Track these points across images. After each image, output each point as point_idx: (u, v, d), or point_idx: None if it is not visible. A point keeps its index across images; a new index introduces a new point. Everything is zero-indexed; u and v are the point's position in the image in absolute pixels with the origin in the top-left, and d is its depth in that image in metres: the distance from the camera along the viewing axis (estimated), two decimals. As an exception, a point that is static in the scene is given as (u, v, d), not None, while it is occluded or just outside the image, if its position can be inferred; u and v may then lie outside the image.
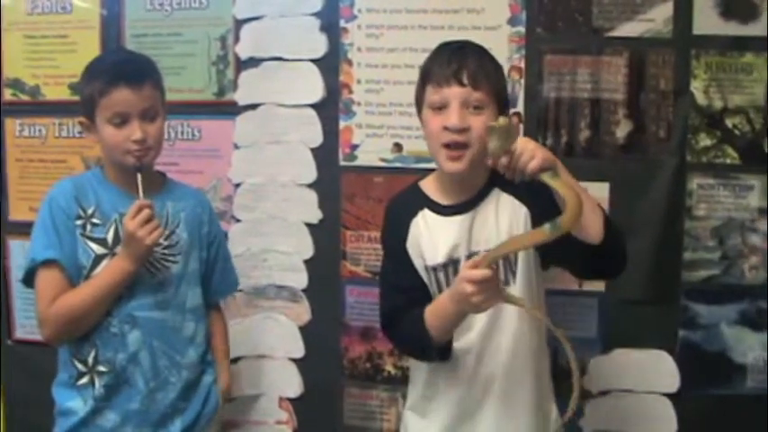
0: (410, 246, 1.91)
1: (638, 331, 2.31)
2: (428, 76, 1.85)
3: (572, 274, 1.98)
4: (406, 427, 2.01)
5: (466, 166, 1.80)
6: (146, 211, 1.91)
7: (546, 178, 1.63)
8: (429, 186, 1.94)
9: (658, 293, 2.30)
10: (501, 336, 1.84)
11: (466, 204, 1.88)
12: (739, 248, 2.28)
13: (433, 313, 1.80)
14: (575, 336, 2.21)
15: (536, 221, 1.80)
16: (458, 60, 1.81)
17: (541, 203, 1.78)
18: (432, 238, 1.88)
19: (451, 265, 1.85)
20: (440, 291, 1.87)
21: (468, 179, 1.86)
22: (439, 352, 1.83)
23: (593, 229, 1.73)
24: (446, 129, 1.79)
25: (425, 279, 1.89)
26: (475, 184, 1.88)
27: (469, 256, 1.82)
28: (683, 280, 2.30)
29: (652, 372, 2.32)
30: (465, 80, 1.79)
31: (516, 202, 1.85)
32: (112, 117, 1.95)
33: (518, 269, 1.86)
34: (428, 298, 1.87)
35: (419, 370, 1.96)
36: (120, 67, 2.02)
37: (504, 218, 1.86)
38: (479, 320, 1.83)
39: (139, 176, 1.96)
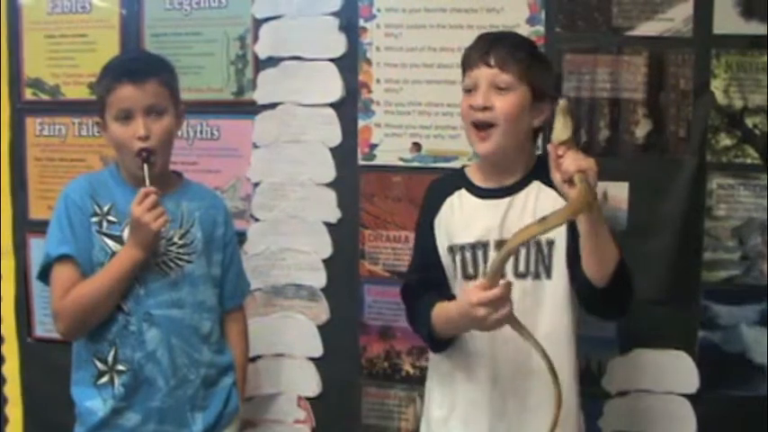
0: (439, 223, 1.95)
1: (657, 331, 2.29)
2: (464, 61, 1.91)
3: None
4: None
5: (494, 147, 1.85)
6: (151, 197, 1.93)
7: (577, 179, 1.63)
8: (472, 170, 1.99)
9: (678, 294, 2.29)
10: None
11: (503, 190, 1.91)
12: (759, 249, 2.27)
13: (440, 316, 1.85)
14: (593, 336, 2.22)
15: (573, 224, 1.81)
16: (489, 44, 1.86)
17: None
18: (464, 217, 1.91)
19: (480, 247, 1.88)
20: (463, 271, 1.90)
21: (505, 164, 1.90)
22: (438, 344, 1.92)
23: (599, 273, 1.74)
24: (471, 108, 1.84)
25: (447, 260, 1.93)
26: (514, 171, 1.91)
27: (500, 243, 1.83)
28: (702, 280, 2.29)
29: (671, 372, 2.31)
30: (492, 62, 1.83)
31: (560, 200, 1.84)
32: (117, 113, 1.98)
33: (553, 264, 1.86)
34: (441, 280, 1.93)
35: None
36: (125, 64, 2.08)
37: (542, 211, 1.86)
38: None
39: (146, 166, 1.97)
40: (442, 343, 1.91)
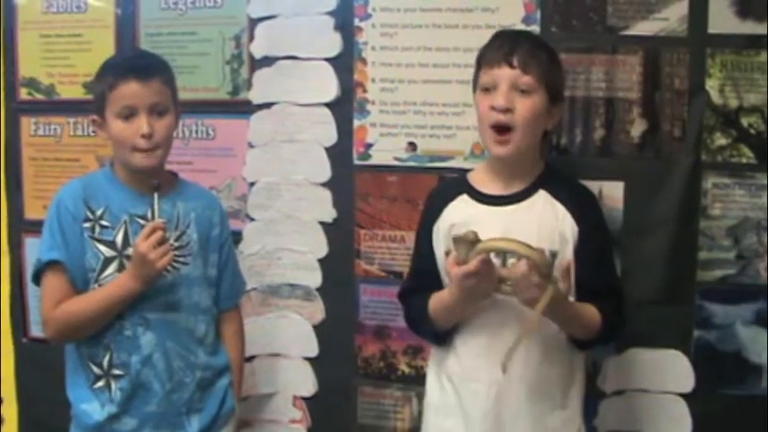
0: (438, 229, 1.97)
1: (652, 331, 2.29)
2: (482, 58, 1.92)
3: None
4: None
5: (512, 151, 1.86)
6: (158, 233, 1.92)
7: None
8: (475, 175, 2.01)
9: (673, 293, 2.29)
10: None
11: (508, 197, 1.92)
12: (755, 248, 2.26)
13: (436, 305, 1.89)
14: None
15: (582, 241, 1.87)
16: (510, 44, 1.88)
17: (588, 222, 1.91)
18: (466, 223, 1.89)
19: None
20: None
21: (514, 170, 1.92)
22: (439, 336, 1.95)
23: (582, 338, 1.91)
24: (492, 109, 1.85)
25: (445, 264, 1.92)
26: (522, 176, 1.93)
27: None
28: (698, 279, 2.28)
29: (667, 372, 2.31)
30: (515, 62, 1.84)
31: (569, 217, 1.90)
32: (121, 110, 1.97)
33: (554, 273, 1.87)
34: (437, 286, 1.94)
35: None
36: (130, 61, 2.08)
37: (547, 223, 1.89)
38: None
39: (156, 196, 1.97)
40: (443, 335, 1.93)
